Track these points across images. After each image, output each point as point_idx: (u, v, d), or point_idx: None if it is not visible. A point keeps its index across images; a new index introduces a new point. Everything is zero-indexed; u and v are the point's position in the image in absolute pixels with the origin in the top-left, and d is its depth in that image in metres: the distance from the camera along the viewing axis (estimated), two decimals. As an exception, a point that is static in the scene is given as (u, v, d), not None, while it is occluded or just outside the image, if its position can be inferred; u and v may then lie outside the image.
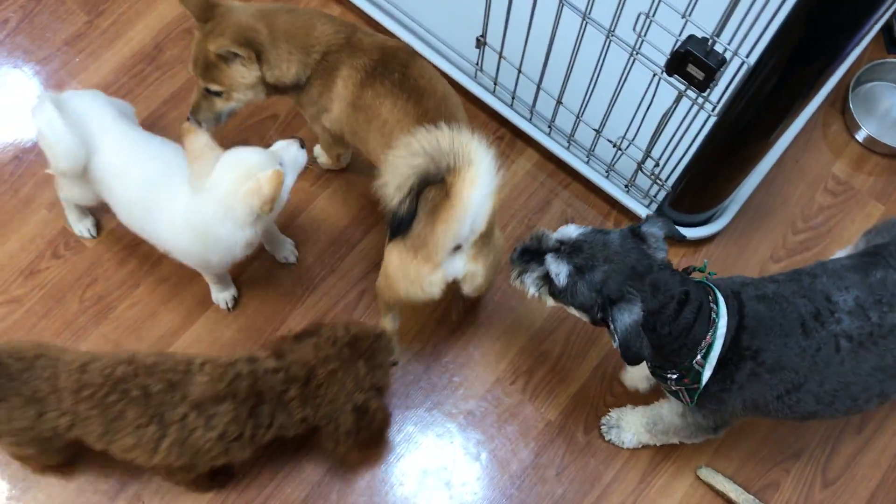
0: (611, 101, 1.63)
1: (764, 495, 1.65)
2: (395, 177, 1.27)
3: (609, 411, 1.69)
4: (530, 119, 1.89)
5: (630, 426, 1.65)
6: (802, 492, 1.67)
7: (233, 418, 1.36)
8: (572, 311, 1.33)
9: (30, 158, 1.85)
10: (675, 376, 1.35)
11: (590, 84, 1.64)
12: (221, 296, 1.73)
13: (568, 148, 1.87)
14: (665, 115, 1.56)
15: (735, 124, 1.48)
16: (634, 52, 1.48)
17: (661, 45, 1.41)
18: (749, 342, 1.30)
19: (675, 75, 1.39)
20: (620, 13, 1.44)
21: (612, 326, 1.24)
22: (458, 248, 1.37)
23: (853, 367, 1.31)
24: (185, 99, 1.92)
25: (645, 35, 1.43)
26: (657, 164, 1.70)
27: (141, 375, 1.36)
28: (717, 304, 1.30)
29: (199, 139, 1.42)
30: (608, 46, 1.53)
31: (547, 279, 1.31)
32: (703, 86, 1.37)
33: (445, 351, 1.74)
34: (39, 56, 1.95)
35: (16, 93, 1.92)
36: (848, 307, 1.31)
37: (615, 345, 1.25)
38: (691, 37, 1.33)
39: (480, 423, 1.69)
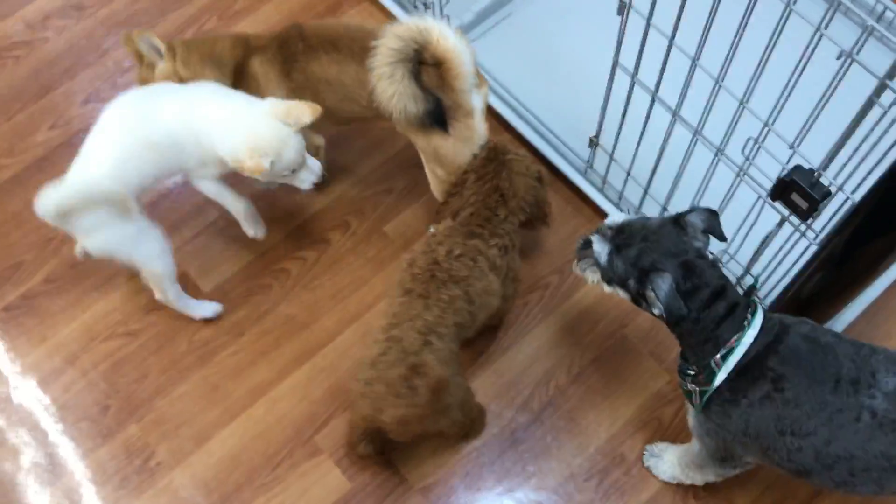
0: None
1: None
2: (386, 81, 1.48)
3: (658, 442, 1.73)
4: (635, 220, 1.92)
5: (668, 458, 1.68)
6: None
7: None
8: (619, 292, 1.42)
9: (162, 204, 2.02)
10: (692, 372, 1.38)
11: (696, 195, 1.67)
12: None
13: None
14: (767, 237, 1.56)
15: (837, 255, 1.47)
16: (741, 174, 1.50)
17: (769, 168, 1.43)
18: (775, 365, 1.31)
19: (779, 201, 1.41)
20: (731, 134, 1.47)
21: (651, 296, 1.32)
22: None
23: (865, 442, 1.27)
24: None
25: (752, 158, 1.45)
26: (756, 282, 1.70)
27: None
28: (753, 315, 1.33)
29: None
30: (716, 163, 1.56)
31: (597, 262, 1.42)
32: (805, 215, 1.38)
33: (523, 438, 1.77)
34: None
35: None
36: (888, 388, 1.28)
37: (657, 312, 1.33)
38: (797, 167, 1.34)
39: (548, 516, 1.70)
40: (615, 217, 1.45)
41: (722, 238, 1.41)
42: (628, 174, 1.81)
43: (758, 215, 1.55)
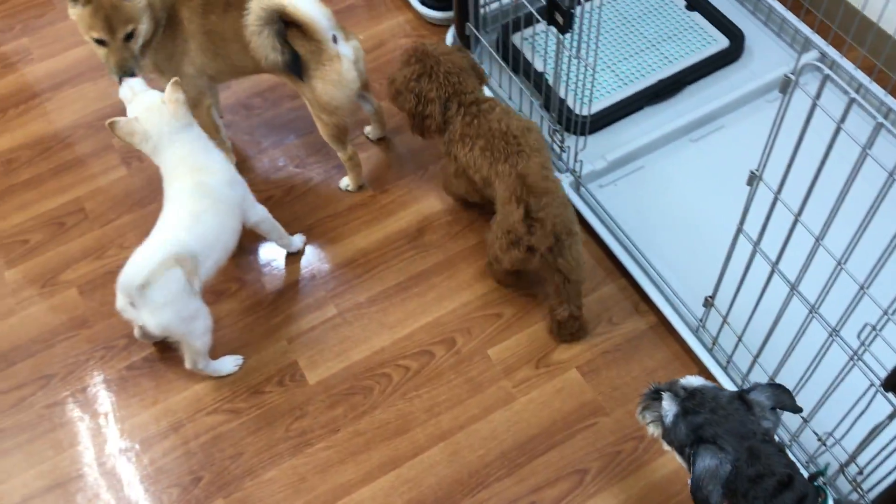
0: (823, 394, 1.61)
1: None
2: (255, 37, 1.88)
3: None
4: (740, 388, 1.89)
5: None
6: None
7: None
8: (677, 456, 1.38)
9: (287, 294, 2.14)
10: None
11: (805, 371, 1.64)
12: None
13: (773, 425, 1.84)
14: (876, 427, 1.51)
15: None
16: (855, 358, 1.48)
17: (884, 356, 1.41)
18: None
19: (892, 392, 1.37)
20: (848, 317, 1.46)
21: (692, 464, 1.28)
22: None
23: None
24: (424, 280, 2.15)
25: (868, 345, 1.43)
26: (860, 472, 1.63)
27: None
28: None
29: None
30: (830, 343, 1.54)
31: (662, 420, 1.39)
32: (919, 411, 1.34)
33: None
34: (325, 214, 2.28)
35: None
36: None
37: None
38: (915, 361, 1.32)
39: None
40: (692, 380, 1.43)
41: (796, 410, 1.37)
42: (739, 339, 1.81)
43: (869, 403, 1.51)
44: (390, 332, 2.07)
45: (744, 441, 1.28)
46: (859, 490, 1.65)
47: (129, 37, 1.91)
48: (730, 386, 1.89)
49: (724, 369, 1.91)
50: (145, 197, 2.34)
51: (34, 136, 2.49)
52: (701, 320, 1.92)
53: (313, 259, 2.21)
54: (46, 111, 2.56)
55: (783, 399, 1.34)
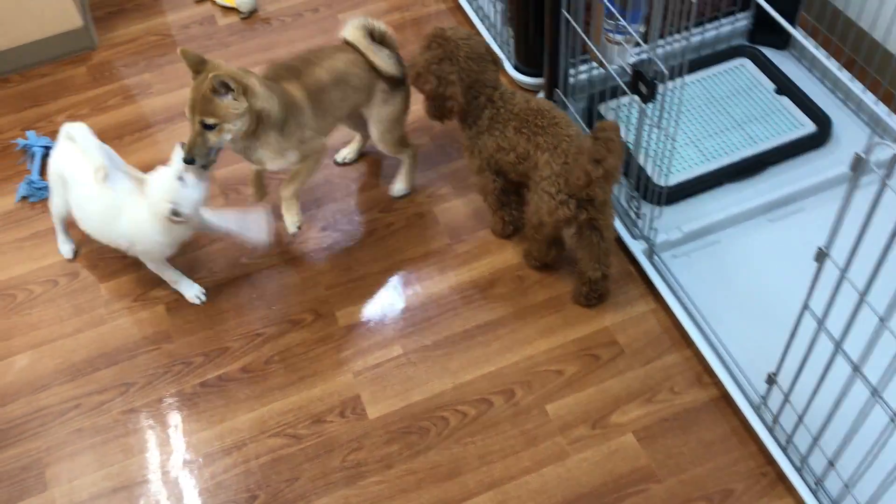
0: (882, 483, 1.58)
1: None
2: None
3: None
4: (799, 470, 1.86)
5: None
6: None
7: None
8: None
9: (357, 330, 2.23)
10: None
11: (865, 457, 1.61)
12: (192, 292, 2.32)
13: (830, 514, 1.80)
14: (935, 519, 1.47)
15: None
16: (915, 445, 1.45)
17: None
18: None
19: (952, 483, 1.34)
20: (910, 402, 1.44)
21: None
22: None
23: None
24: (491, 330, 2.20)
25: (930, 432, 1.40)
26: (918, 568, 1.58)
27: None
28: None
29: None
30: (893, 430, 1.51)
31: None
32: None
33: None
34: (402, 257, 2.38)
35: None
36: None
37: None
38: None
39: None
40: None
41: None
42: (800, 419, 1.78)
43: (930, 495, 1.48)
44: (452, 377, 2.12)
45: None
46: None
47: (210, 127, 1.99)
48: (788, 467, 1.86)
49: (784, 450, 1.89)
50: (237, 227, 2.48)
51: (146, 162, 2.67)
52: (763, 397, 1.91)
53: (386, 299, 2.29)
54: (157, 140, 2.75)
55: None
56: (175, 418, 2.10)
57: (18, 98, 2.94)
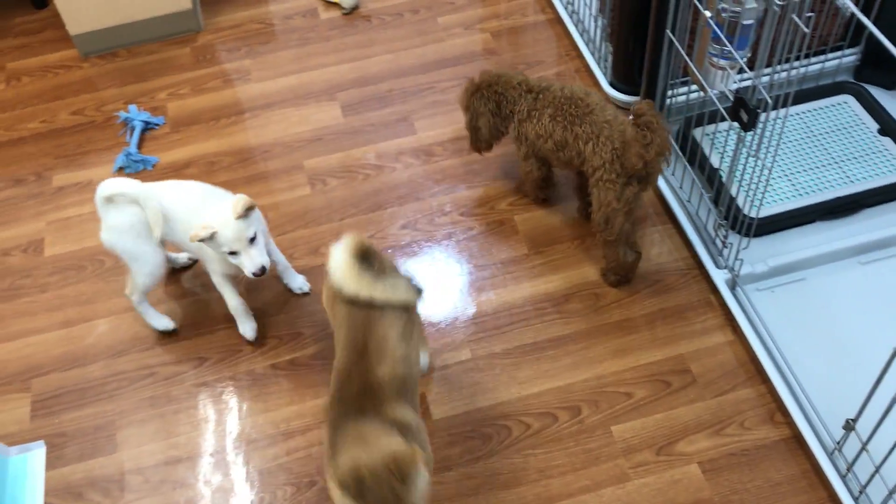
0: (962, 546, 1.51)
1: None
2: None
3: None
4: (870, 521, 1.80)
5: None
6: None
7: None
8: None
9: (427, 330, 2.24)
10: None
11: (945, 518, 1.55)
12: (246, 327, 2.24)
13: (899, 571, 1.73)
14: None
15: None
16: None
17: None
18: None
19: None
20: None
21: None
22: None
23: None
24: (562, 345, 2.18)
25: None
26: None
27: None
28: None
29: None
30: (978, 491, 1.45)
31: None
32: None
33: None
34: (478, 263, 2.38)
35: (444, 286, 2.36)
36: None
37: None
38: None
39: None
40: None
41: None
42: (877, 470, 1.72)
43: None
44: (519, 388, 2.12)
45: None
46: None
47: None
48: (858, 518, 1.80)
49: (856, 500, 1.82)
50: (322, 216, 2.52)
51: (237, 145, 2.75)
52: (838, 443, 1.85)
53: (459, 303, 2.30)
54: (252, 126, 2.82)
55: None
56: (244, 397, 2.15)
57: (124, 73, 3.05)
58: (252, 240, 1.97)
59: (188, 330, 2.29)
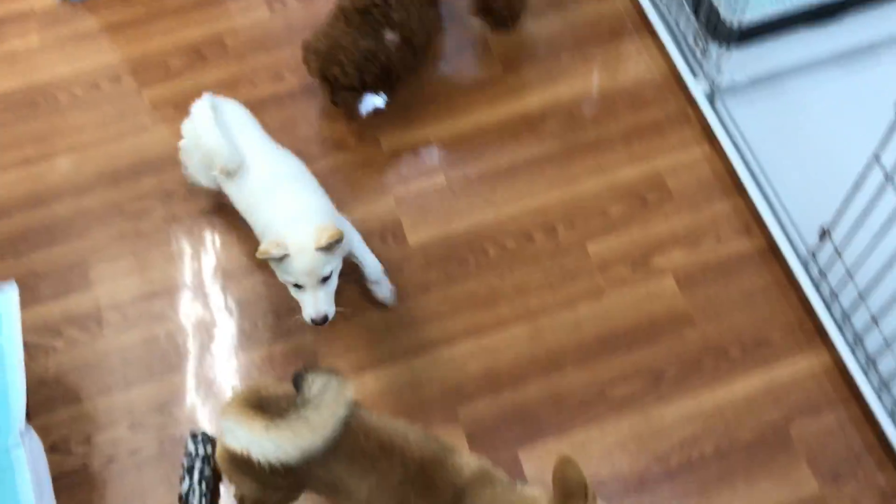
0: (927, 342, 1.56)
1: None
2: None
3: None
4: (840, 325, 1.84)
5: None
6: None
7: None
8: None
9: (403, 156, 2.19)
10: None
11: (913, 317, 1.58)
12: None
13: (864, 372, 1.79)
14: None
15: None
16: (971, 306, 1.42)
17: None
18: None
19: None
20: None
21: None
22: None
23: None
24: (537, 166, 2.14)
25: None
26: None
27: None
28: None
29: None
30: (947, 289, 1.47)
31: None
32: None
33: (650, 489, 1.75)
34: (450, 84, 2.29)
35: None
36: None
37: None
38: None
39: None
40: None
41: None
42: (850, 275, 1.75)
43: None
44: (494, 210, 2.09)
45: None
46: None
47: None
48: (829, 321, 1.84)
49: (827, 305, 1.86)
50: (283, 40, 2.39)
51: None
52: (812, 251, 1.86)
53: (431, 127, 2.23)
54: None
55: None
56: (217, 229, 2.11)
57: None
58: (325, 279, 1.64)
59: (151, 166, 2.21)
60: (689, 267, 1.98)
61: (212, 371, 1.93)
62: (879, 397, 1.76)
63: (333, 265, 1.63)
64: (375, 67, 2.07)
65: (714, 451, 1.77)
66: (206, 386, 1.91)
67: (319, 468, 1.35)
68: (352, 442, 1.34)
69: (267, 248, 1.58)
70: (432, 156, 2.19)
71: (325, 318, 1.63)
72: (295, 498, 1.56)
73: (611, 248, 2.03)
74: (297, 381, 1.33)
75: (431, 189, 2.14)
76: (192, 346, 1.96)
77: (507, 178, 2.14)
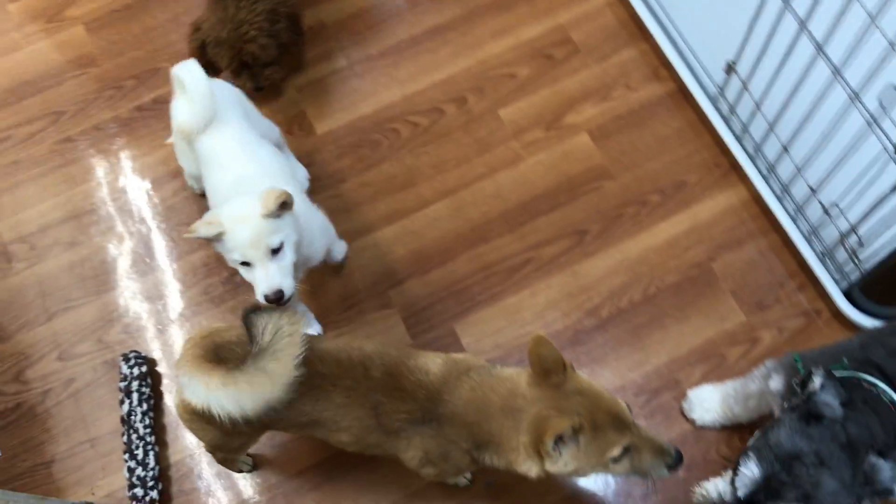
0: (835, 164, 1.58)
1: None
2: None
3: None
4: (752, 158, 1.86)
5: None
6: None
7: None
8: None
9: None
10: None
11: (821, 141, 1.60)
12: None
13: (779, 199, 1.82)
14: (883, 198, 1.49)
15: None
16: (872, 123, 1.43)
17: (903, 124, 1.36)
18: None
19: (904, 158, 1.34)
20: (872, 79, 1.40)
21: None
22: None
23: None
24: (439, 35, 2.06)
25: (890, 110, 1.37)
26: (861, 244, 1.63)
27: None
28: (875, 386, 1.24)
29: None
30: (849, 109, 1.48)
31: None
32: (927, 177, 1.31)
33: (584, 340, 1.79)
34: None
35: None
36: None
37: None
38: (932, 124, 1.27)
39: None
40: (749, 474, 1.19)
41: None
42: (758, 107, 1.75)
43: (881, 172, 1.48)
44: (401, 88, 2.03)
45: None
46: (856, 260, 1.66)
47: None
48: (742, 155, 1.86)
49: (739, 139, 1.87)
50: None
51: None
52: (720, 87, 1.86)
53: (324, 9, 2.12)
54: None
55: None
56: (115, 144, 2.01)
57: None
58: (275, 251, 1.41)
59: (31, 86, 2.07)
60: (601, 120, 1.97)
61: (134, 290, 1.87)
62: (795, 222, 1.80)
63: (283, 235, 1.41)
64: (284, 21, 1.89)
65: (642, 296, 1.81)
66: (131, 306, 1.86)
67: (282, 409, 1.29)
68: (309, 371, 1.31)
69: (195, 226, 1.39)
70: (330, 38, 2.09)
71: (280, 294, 1.41)
72: (258, 438, 1.55)
73: (523, 111, 1.99)
74: (248, 325, 1.27)
75: (332, 73, 2.05)
76: (109, 268, 1.90)
77: (410, 53, 2.06)
